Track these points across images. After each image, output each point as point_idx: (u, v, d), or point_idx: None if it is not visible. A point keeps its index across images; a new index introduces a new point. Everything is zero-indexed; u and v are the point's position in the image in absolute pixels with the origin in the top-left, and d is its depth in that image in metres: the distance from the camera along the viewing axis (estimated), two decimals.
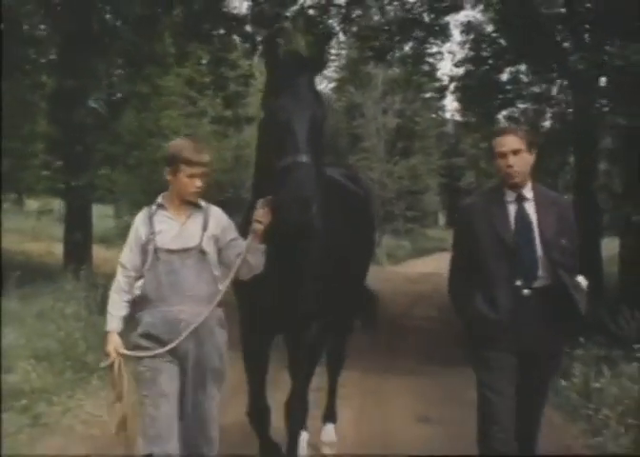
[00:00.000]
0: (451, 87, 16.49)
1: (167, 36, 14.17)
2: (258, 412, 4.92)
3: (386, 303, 15.86)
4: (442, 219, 50.56)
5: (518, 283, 4.16)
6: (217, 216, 4.26)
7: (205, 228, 4.17)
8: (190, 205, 4.22)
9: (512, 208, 4.28)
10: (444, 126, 43.19)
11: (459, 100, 18.20)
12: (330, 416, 6.25)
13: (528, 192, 4.31)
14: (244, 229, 4.31)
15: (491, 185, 4.60)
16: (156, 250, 4.11)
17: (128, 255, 4.20)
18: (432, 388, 8.03)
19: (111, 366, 4.10)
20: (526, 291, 4.16)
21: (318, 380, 5.72)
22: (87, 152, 12.78)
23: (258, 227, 4.10)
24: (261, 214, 4.11)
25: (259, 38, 15.64)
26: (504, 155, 4.22)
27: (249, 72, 16.62)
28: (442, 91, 18.39)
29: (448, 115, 42.28)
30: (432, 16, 15.60)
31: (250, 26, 14.91)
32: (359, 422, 6.79)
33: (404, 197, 36.28)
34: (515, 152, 4.21)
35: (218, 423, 4.20)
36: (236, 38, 15.34)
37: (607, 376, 6.83)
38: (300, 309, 4.65)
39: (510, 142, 4.22)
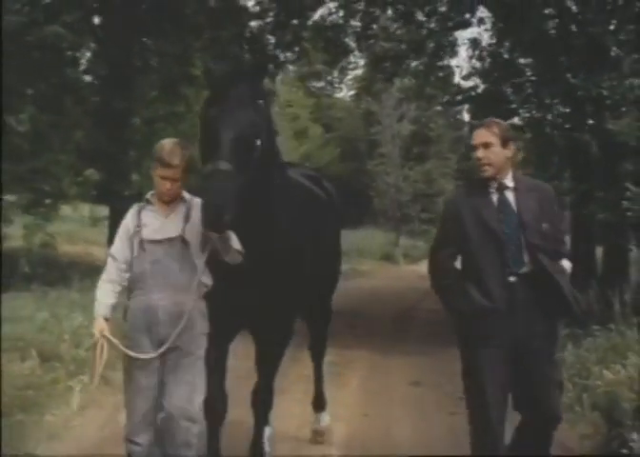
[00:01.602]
0: (460, 98, 17.67)
1: (197, 59, 15.59)
2: (213, 401, 4.81)
3: (398, 298, 17.51)
4: None
5: (511, 270, 4.20)
6: (200, 207, 4.22)
7: (187, 219, 4.31)
8: (173, 200, 4.38)
9: (495, 197, 4.34)
10: (460, 129, 43.88)
11: (467, 111, 19.38)
12: (320, 404, 6.39)
13: (509, 182, 4.35)
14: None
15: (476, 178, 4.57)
16: (142, 242, 4.28)
17: (118, 247, 4.37)
18: (426, 363, 9.45)
19: (95, 346, 4.20)
20: (512, 278, 4.20)
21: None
22: (130, 164, 14.40)
23: (212, 235, 4.19)
24: None
25: (283, 60, 17.31)
26: (476, 147, 4.33)
27: (270, 90, 17.53)
28: (452, 103, 19.57)
29: (466, 117, 43.01)
30: (442, 33, 16.75)
31: (274, 49, 16.49)
32: (364, 387, 8.33)
33: (419, 200, 37.38)
34: (486, 146, 4.29)
35: (200, 414, 4.33)
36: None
37: (569, 349, 8.20)
38: (264, 306, 4.73)
39: (482, 135, 4.32)
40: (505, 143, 4.30)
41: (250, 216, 4.31)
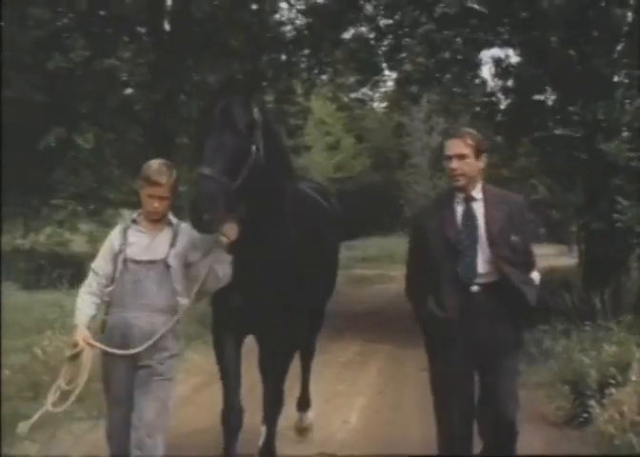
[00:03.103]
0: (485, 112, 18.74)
1: None
2: (231, 413, 4.97)
3: None
4: None
5: (464, 280, 4.26)
6: (186, 233, 4.39)
7: (173, 244, 4.37)
8: (161, 221, 4.44)
9: (460, 209, 4.37)
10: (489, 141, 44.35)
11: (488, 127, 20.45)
12: (304, 405, 6.57)
13: (477, 193, 4.38)
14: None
15: (445, 189, 4.66)
16: (125, 260, 4.32)
17: (100, 263, 4.42)
18: None
19: (77, 355, 4.23)
20: (474, 288, 4.26)
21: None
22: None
23: (224, 240, 4.32)
24: (227, 229, 4.29)
25: (317, 80, 18.70)
26: (449, 158, 4.35)
27: (306, 108, 19.40)
28: (477, 118, 20.62)
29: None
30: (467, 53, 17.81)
31: (307, 72, 17.96)
32: (382, 372, 9.79)
33: None
34: (460, 157, 4.31)
35: (167, 430, 4.36)
36: (295, 81, 18.13)
37: (561, 342, 9.20)
38: (269, 312, 4.82)
39: (456, 146, 4.33)
40: (478, 154, 4.34)
41: (260, 225, 4.55)
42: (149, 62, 14.76)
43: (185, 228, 4.39)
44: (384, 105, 37.54)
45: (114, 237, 4.42)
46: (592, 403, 6.58)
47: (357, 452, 6.19)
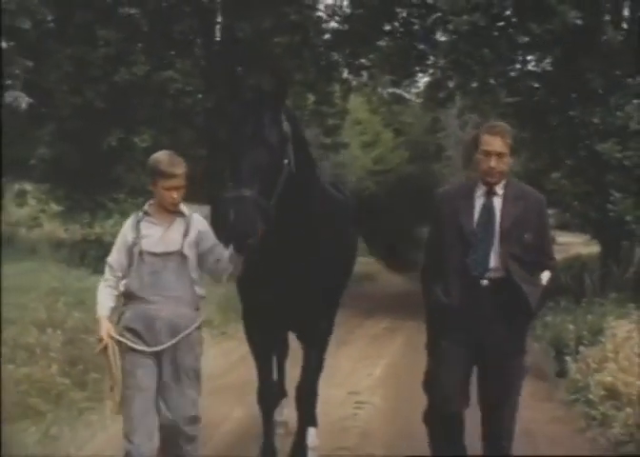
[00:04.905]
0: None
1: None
2: (266, 395, 5.18)
3: None
4: None
5: (474, 273, 4.22)
6: (198, 224, 4.40)
7: (186, 234, 4.33)
8: (173, 212, 4.37)
9: (480, 202, 4.30)
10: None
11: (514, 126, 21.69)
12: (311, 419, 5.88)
13: (499, 188, 4.30)
14: (215, 232, 4.50)
15: (471, 178, 4.53)
16: (141, 253, 4.29)
17: (115, 256, 4.39)
18: None
19: (105, 350, 4.23)
20: (484, 282, 4.22)
21: None
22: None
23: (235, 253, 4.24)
24: None
25: (354, 83, 20.33)
26: (488, 154, 4.21)
27: (344, 109, 20.88)
28: (504, 117, 21.89)
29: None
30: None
31: (347, 73, 19.49)
32: (405, 344, 11.21)
33: None
34: (499, 155, 4.20)
35: (201, 422, 4.40)
36: (335, 84, 19.61)
37: (562, 316, 10.48)
38: (301, 308, 4.86)
39: (498, 144, 4.20)
40: (512, 152, 4.28)
41: (292, 222, 4.52)
42: (202, 71, 16.50)
43: (197, 218, 4.44)
44: (419, 101, 38.49)
45: (127, 230, 4.41)
46: (568, 359, 8.23)
47: (379, 391, 7.97)
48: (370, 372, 9.05)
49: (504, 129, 4.33)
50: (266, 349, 5.23)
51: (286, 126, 4.39)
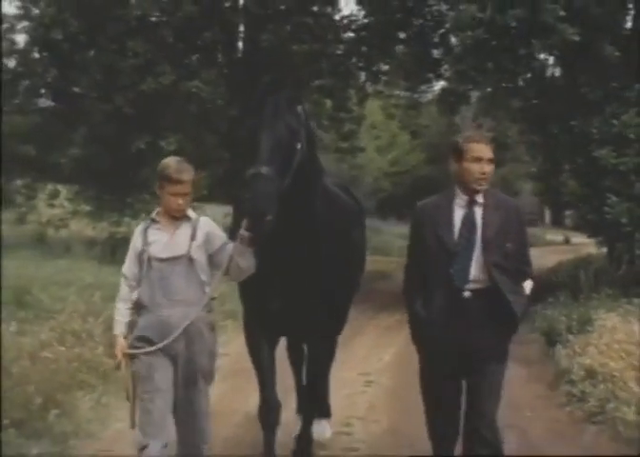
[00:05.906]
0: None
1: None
2: (267, 409, 5.01)
3: None
4: (548, 217, 52.40)
5: (457, 284, 4.19)
6: (205, 226, 4.40)
7: (193, 237, 4.33)
8: (179, 217, 4.37)
9: (460, 212, 4.27)
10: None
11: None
12: (324, 411, 6.16)
13: (480, 197, 4.27)
14: (234, 231, 4.50)
15: (449, 188, 4.44)
16: (149, 259, 4.31)
17: (127, 265, 4.42)
18: None
19: (119, 366, 4.37)
20: (466, 293, 4.20)
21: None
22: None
23: (245, 233, 4.21)
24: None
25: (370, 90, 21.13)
26: (480, 160, 4.20)
27: (360, 115, 21.74)
28: (515, 121, 22.62)
29: None
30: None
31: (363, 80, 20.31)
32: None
33: None
34: (490, 162, 4.23)
35: (210, 416, 4.49)
36: (351, 90, 20.41)
37: (559, 310, 11.51)
38: (304, 314, 4.83)
39: (487, 151, 4.22)
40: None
41: (294, 223, 4.52)
42: (225, 80, 17.43)
43: (203, 221, 4.45)
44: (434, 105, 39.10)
45: (136, 238, 4.45)
46: (559, 346, 9.10)
47: (386, 373, 8.96)
48: (380, 358, 9.98)
49: (487, 136, 4.47)
50: (268, 360, 5.08)
51: (300, 109, 4.53)
